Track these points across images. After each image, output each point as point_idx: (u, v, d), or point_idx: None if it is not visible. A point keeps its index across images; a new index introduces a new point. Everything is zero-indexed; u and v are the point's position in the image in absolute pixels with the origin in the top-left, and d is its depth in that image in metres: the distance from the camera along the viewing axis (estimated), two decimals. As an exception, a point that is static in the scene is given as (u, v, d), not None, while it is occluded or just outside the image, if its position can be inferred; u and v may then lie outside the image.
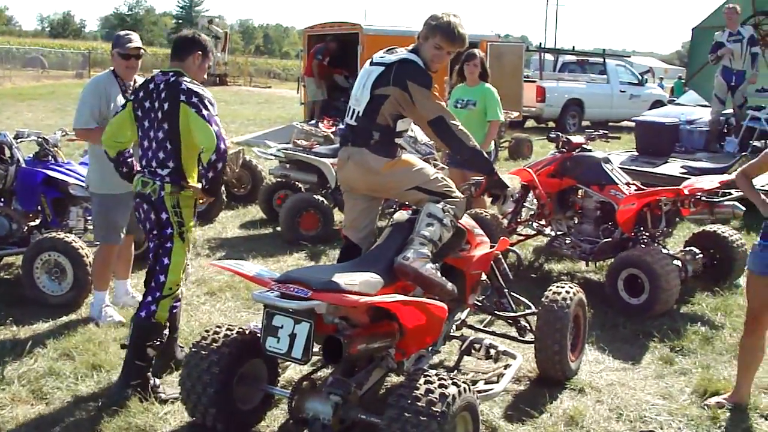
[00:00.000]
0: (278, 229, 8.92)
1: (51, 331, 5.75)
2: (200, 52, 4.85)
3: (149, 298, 4.72)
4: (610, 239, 7.16)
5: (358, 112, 4.38)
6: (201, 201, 4.95)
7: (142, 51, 5.84)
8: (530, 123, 22.79)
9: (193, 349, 4.23)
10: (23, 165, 6.76)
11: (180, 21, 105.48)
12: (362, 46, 16.87)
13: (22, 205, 6.85)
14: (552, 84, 22.11)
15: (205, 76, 5.07)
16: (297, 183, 9.38)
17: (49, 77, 39.29)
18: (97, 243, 6.14)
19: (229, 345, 4.18)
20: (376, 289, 3.91)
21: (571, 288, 5.13)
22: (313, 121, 11.98)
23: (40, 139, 6.88)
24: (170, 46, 5.18)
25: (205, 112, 4.55)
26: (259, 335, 4.23)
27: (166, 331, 4.88)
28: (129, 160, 5.03)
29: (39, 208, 6.84)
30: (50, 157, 6.86)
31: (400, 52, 4.42)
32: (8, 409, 4.53)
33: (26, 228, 6.91)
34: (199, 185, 4.74)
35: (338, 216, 9.21)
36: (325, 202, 8.71)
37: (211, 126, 4.52)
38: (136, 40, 5.80)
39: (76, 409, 4.57)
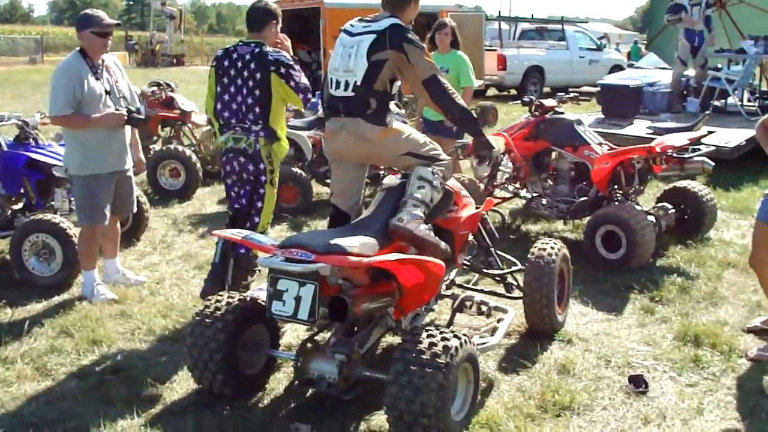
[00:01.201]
0: (257, 203, 9.00)
1: (46, 311, 5.82)
2: (275, 21, 5.38)
3: None
4: (585, 198, 7.37)
5: (355, 82, 4.48)
6: None
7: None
8: (492, 91, 23.01)
9: (197, 318, 4.35)
10: (5, 149, 6.78)
11: (131, 2, 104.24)
12: (324, 20, 16.90)
13: (6, 189, 6.87)
14: (512, 52, 22.30)
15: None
16: (273, 157, 9.44)
17: (1, 64, 38.67)
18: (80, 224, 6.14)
19: (231, 312, 4.30)
20: (374, 251, 4.06)
21: (556, 244, 5.32)
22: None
23: (20, 122, 6.90)
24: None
25: (292, 83, 5.22)
26: (259, 301, 4.39)
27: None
28: None
29: (22, 191, 6.87)
30: (31, 140, 6.88)
31: (382, 20, 4.56)
32: (16, 387, 4.62)
33: (9, 212, 6.94)
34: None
35: (316, 188, 9.34)
36: (303, 174, 8.82)
37: (298, 95, 5.25)
38: (108, 17, 5.90)
39: (83, 382, 4.67)
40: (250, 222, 5.47)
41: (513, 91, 22.26)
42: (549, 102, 7.79)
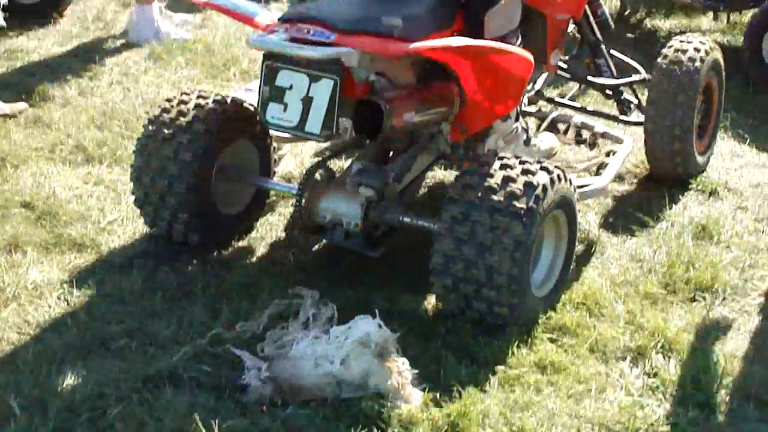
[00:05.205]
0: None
1: None
2: None
3: None
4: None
5: None
6: None
7: None
8: None
9: (150, 128, 4.26)
10: None
11: None
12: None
13: None
14: None
15: None
16: None
17: None
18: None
19: (204, 120, 4.21)
20: (426, 33, 3.92)
21: (703, 44, 5.18)
22: None
23: None
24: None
25: None
26: (246, 105, 4.34)
27: None
28: None
29: None
30: None
31: None
32: None
33: None
34: None
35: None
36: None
37: None
38: None
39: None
40: None
41: None
42: None
